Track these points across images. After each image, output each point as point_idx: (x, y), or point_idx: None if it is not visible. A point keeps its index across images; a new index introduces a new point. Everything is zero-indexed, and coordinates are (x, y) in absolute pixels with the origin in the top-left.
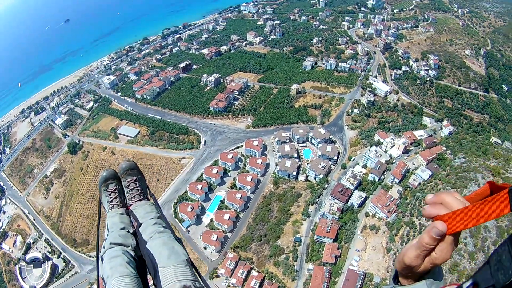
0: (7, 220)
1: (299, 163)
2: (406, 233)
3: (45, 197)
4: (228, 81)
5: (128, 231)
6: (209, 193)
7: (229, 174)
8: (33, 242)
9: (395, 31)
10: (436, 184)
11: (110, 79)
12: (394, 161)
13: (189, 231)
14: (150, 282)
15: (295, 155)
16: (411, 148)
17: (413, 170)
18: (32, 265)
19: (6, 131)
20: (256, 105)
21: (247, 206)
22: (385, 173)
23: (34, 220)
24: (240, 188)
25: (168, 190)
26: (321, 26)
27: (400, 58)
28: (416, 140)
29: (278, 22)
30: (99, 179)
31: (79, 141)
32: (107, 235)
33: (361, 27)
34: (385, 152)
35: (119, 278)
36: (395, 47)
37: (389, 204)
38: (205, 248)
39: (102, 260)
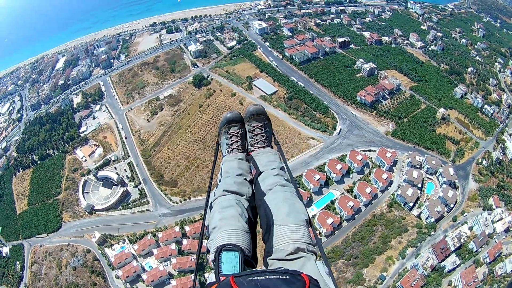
0: (94, 127)
1: (420, 194)
2: None
3: (147, 120)
4: (382, 76)
5: (245, 179)
6: (324, 187)
7: (351, 175)
8: (113, 160)
9: None
10: None
11: (261, 25)
12: (495, 237)
13: None
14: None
15: (419, 185)
16: (511, 229)
17: (504, 255)
18: (101, 183)
19: (128, 38)
20: (401, 113)
21: (354, 218)
22: (483, 246)
23: (126, 138)
24: (355, 196)
25: None
26: (477, 57)
27: None
28: None
29: (440, 34)
30: (221, 119)
31: (208, 76)
32: (220, 180)
33: (510, 75)
34: (492, 222)
35: (229, 231)
36: None
37: (471, 284)
38: None
39: (211, 208)
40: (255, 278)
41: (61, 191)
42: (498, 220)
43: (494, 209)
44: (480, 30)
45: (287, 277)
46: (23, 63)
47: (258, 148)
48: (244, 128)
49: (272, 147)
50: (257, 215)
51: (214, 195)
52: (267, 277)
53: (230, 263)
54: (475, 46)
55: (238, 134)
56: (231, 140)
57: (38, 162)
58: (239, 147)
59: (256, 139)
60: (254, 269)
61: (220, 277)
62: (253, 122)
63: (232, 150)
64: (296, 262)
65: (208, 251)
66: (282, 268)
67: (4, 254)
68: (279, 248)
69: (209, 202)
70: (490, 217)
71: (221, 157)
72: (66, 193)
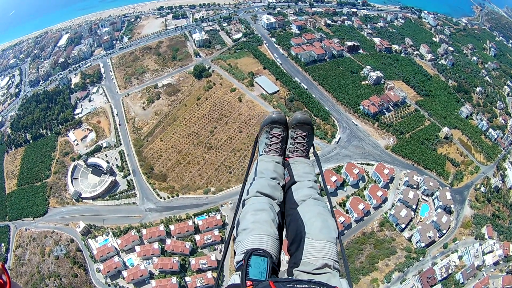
0: (89, 110)
1: (413, 215)
2: None
3: (143, 108)
4: (388, 87)
5: (279, 183)
6: None
7: (345, 188)
8: (105, 147)
9: None
10: None
11: (270, 20)
12: (483, 269)
13: None
14: None
15: (414, 206)
16: (500, 262)
17: None
18: (90, 170)
19: (133, 20)
20: (404, 128)
21: (343, 233)
22: (470, 278)
23: (119, 125)
24: (347, 212)
25: None
26: (487, 77)
27: None
28: (509, 256)
29: (452, 49)
30: (265, 117)
31: (209, 68)
32: (254, 179)
33: None
34: (482, 254)
35: (262, 236)
36: None
37: None
38: None
39: (243, 205)
40: (294, 286)
41: (50, 174)
42: (488, 252)
43: (486, 239)
44: (492, 49)
45: None
46: (27, 37)
47: (296, 156)
48: (287, 132)
49: (309, 158)
50: (284, 221)
51: (247, 194)
52: (306, 286)
53: (258, 269)
54: (486, 65)
55: (279, 137)
56: (271, 141)
57: (31, 141)
58: (278, 149)
59: (297, 147)
60: (291, 277)
61: (247, 281)
62: (298, 130)
63: (270, 151)
64: (322, 277)
65: (234, 252)
66: (318, 280)
67: None
68: (308, 262)
69: (242, 199)
70: (481, 248)
71: (257, 155)
72: (55, 176)
